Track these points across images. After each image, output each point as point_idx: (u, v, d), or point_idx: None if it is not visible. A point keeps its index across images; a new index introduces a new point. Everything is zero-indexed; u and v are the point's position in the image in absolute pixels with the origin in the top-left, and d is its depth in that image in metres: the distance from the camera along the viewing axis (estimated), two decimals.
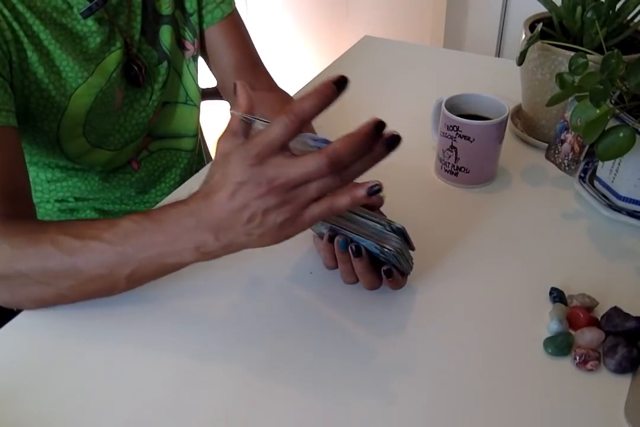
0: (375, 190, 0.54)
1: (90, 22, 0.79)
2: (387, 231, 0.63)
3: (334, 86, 0.51)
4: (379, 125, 0.52)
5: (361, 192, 0.54)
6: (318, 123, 0.91)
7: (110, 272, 0.61)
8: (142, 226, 0.59)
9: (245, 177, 0.53)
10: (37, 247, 0.62)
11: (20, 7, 0.73)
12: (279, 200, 0.54)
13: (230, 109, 0.60)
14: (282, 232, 0.56)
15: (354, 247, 0.64)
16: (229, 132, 0.59)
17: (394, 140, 0.53)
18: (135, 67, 0.86)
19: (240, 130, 0.58)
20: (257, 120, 0.58)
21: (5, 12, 0.71)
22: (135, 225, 0.60)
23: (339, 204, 0.55)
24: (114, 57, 0.83)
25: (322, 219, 0.57)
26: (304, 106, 0.51)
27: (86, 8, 0.78)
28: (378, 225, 0.63)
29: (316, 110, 0.51)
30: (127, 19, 0.84)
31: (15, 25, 0.72)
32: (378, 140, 0.52)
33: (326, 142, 0.54)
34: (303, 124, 0.52)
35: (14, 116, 0.71)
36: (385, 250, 0.61)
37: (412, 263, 0.67)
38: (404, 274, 0.67)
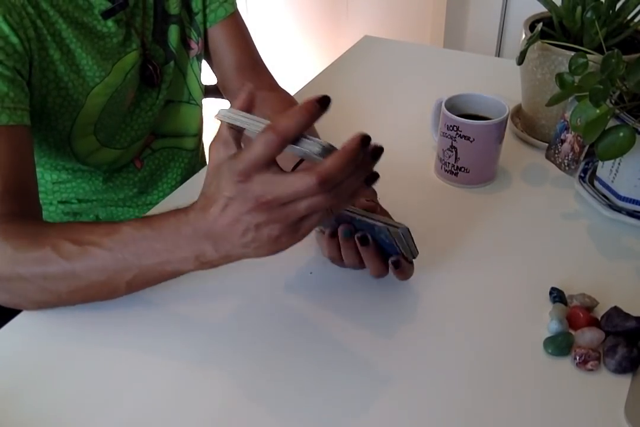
0: (369, 181, 0.54)
1: (110, 23, 0.80)
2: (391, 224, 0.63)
3: (317, 104, 0.51)
4: (365, 139, 0.52)
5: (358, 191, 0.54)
6: (320, 123, 0.91)
7: (109, 278, 0.61)
8: (142, 233, 0.60)
9: (234, 192, 0.53)
10: (38, 251, 0.62)
11: (44, 5, 0.73)
12: (268, 217, 0.53)
13: (216, 115, 0.58)
14: (278, 245, 0.56)
15: (360, 235, 0.64)
16: (220, 141, 0.57)
17: (378, 152, 0.54)
18: (151, 67, 0.87)
19: (232, 138, 0.57)
20: (243, 118, 0.55)
21: (30, 9, 0.71)
22: (135, 231, 0.60)
23: (339, 207, 0.55)
24: (130, 58, 0.84)
25: (319, 224, 0.57)
26: (287, 124, 0.51)
27: (108, 9, 0.78)
28: (380, 223, 0.63)
29: (299, 128, 0.51)
30: (141, 20, 0.85)
31: (38, 22, 0.72)
32: (364, 154, 0.53)
33: (324, 149, 0.53)
34: (286, 142, 0.51)
35: (28, 115, 0.71)
36: (395, 229, 0.61)
37: (417, 250, 0.66)
38: (413, 257, 0.67)
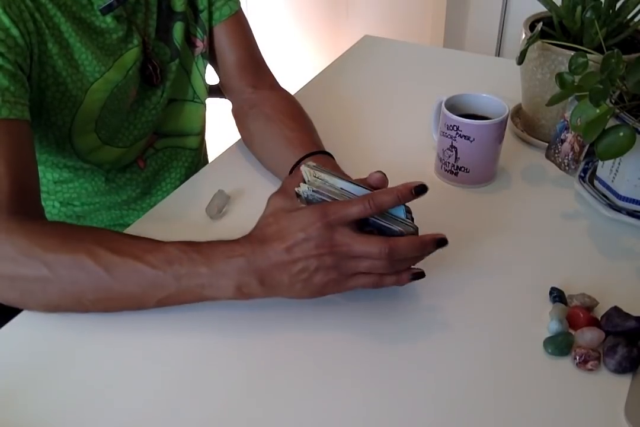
0: (416, 277, 0.64)
1: (108, 19, 0.79)
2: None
3: (413, 191, 0.61)
4: (442, 242, 0.62)
5: (405, 278, 0.63)
6: (320, 124, 0.91)
7: (143, 293, 0.62)
8: (189, 256, 0.62)
9: (313, 234, 0.59)
10: (72, 255, 0.62)
11: None
12: (332, 263, 0.60)
13: (303, 163, 0.67)
14: (322, 290, 0.63)
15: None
16: (283, 192, 0.65)
17: (442, 243, 0.62)
18: (150, 67, 0.87)
19: (292, 192, 0.64)
20: (318, 194, 0.62)
21: (28, 2, 0.71)
22: (181, 253, 0.62)
23: (383, 282, 0.63)
24: (131, 55, 0.83)
25: (362, 288, 0.64)
26: (385, 199, 0.60)
27: (106, 5, 0.78)
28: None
29: (392, 205, 0.61)
30: (144, 17, 0.85)
31: (37, 16, 0.72)
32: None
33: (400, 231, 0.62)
34: (377, 212, 0.60)
35: (28, 110, 0.71)
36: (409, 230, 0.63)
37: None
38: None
